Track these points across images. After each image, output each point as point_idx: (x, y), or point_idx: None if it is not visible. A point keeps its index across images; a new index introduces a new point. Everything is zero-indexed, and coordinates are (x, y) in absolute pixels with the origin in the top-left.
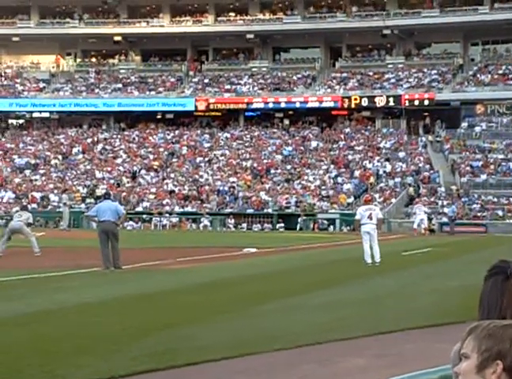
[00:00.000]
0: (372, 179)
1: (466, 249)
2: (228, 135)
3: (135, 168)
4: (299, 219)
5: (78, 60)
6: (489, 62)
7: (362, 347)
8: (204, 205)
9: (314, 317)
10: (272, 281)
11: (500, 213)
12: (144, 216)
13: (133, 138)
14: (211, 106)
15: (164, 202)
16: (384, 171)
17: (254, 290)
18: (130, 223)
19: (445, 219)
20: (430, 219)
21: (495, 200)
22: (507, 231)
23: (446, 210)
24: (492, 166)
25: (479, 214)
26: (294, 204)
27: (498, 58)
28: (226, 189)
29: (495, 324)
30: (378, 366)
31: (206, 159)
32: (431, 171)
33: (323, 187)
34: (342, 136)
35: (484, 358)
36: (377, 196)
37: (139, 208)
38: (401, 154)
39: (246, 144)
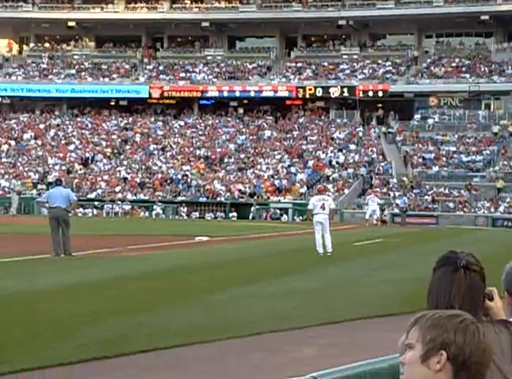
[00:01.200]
0: (327, 171)
1: (417, 241)
2: (182, 123)
3: (87, 155)
4: (252, 209)
5: (31, 45)
6: (443, 55)
7: (314, 336)
8: (156, 193)
9: (268, 305)
10: (225, 270)
11: (451, 205)
12: (96, 203)
13: (86, 125)
14: (165, 94)
15: (117, 189)
16: (337, 162)
17: (207, 278)
18: (88, 210)
19: (397, 211)
20: (382, 210)
21: (447, 192)
22: (457, 223)
23: (398, 201)
24: (444, 159)
25: (430, 206)
26: (247, 193)
27: (452, 50)
28: (179, 177)
29: (440, 314)
30: (329, 355)
31: (159, 146)
32: (384, 162)
33: (276, 176)
34: (296, 126)
35: (429, 348)
36: (330, 186)
37: (91, 195)
38: (355, 145)
39: (200, 133)
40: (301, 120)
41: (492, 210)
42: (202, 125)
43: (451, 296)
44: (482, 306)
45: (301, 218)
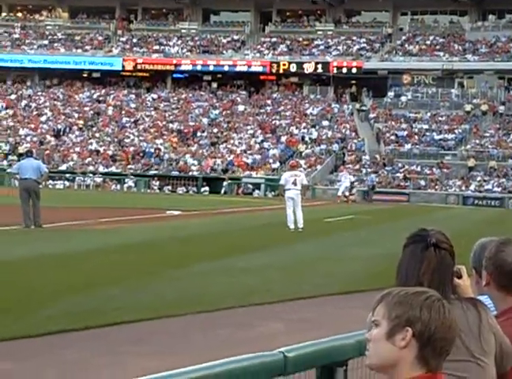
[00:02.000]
0: (300, 146)
1: (388, 218)
2: (155, 96)
3: (59, 126)
4: (224, 183)
5: (3, 14)
6: (417, 33)
7: (282, 312)
8: (128, 166)
9: (237, 280)
10: (196, 244)
11: (423, 183)
12: (67, 175)
13: (58, 96)
14: (138, 67)
15: (88, 162)
16: (310, 138)
17: (178, 252)
18: (59, 182)
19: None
20: (351, 188)
21: (419, 169)
22: (428, 201)
23: (372, 176)
24: (417, 137)
25: (402, 183)
26: (219, 168)
27: (426, 28)
28: (151, 150)
29: (407, 291)
30: (297, 331)
31: (132, 119)
32: (357, 139)
33: (249, 152)
34: (270, 101)
35: (394, 325)
36: (302, 162)
37: (62, 167)
38: (328, 121)
39: (173, 106)
40: (275, 95)
41: (463, 188)
42: (175, 98)
43: (420, 273)
44: (451, 284)
45: (273, 193)
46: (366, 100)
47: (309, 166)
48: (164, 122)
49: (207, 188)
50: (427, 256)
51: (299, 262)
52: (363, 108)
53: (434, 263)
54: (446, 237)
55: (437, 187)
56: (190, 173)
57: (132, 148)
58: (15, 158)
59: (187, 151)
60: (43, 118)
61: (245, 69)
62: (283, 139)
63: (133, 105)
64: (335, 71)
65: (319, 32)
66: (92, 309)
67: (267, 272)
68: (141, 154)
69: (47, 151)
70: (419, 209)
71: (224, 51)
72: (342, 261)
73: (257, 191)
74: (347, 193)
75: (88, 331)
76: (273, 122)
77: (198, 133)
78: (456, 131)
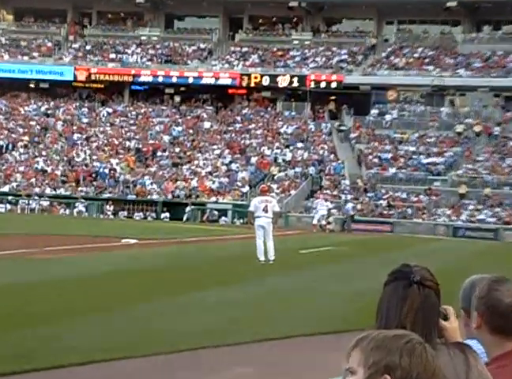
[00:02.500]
0: (272, 169)
1: (368, 250)
2: (111, 110)
3: (1, 143)
4: (187, 209)
5: None
6: (404, 44)
7: (250, 354)
8: (79, 189)
9: (201, 318)
10: (155, 277)
11: (409, 211)
12: (9, 198)
13: (1, 108)
14: (92, 77)
15: (34, 183)
16: (284, 159)
17: (133, 286)
18: (0, 205)
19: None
20: (328, 216)
21: (404, 196)
22: (415, 231)
23: (349, 205)
24: (402, 160)
25: (385, 211)
26: (182, 191)
27: (415, 39)
28: (106, 171)
29: (385, 334)
30: (265, 376)
31: (84, 136)
32: (336, 162)
33: (215, 174)
34: (239, 118)
35: (371, 373)
36: (275, 186)
37: (4, 189)
38: (303, 142)
39: (131, 122)
40: (245, 111)
41: (453, 218)
42: (133, 113)
43: (402, 314)
44: (436, 326)
45: (242, 221)
46: (346, 118)
47: (282, 191)
48: (121, 140)
49: (167, 214)
50: (409, 294)
51: (269, 298)
52: (343, 127)
53: (418, 302)
54: (431, 273)
55: (424, 216)
56: (149, 197)
57: (83, 168)
58: None
59: (146, 172)
60: None
61: (212, 81)
62: (253, 160)
63: (85, 120)
64: (312, 85)
65: (295, 42)
66: (33, 349)
67: (234, 310)
68: (94, 175)
69: None
70: (404, 241)
71: (189, 61)
72: (317, 298)
73: (223, 218)
74: (323, 222)
75: (30, 374)
76: (243, 142)
77: (159, 153)
78: (446, 154)
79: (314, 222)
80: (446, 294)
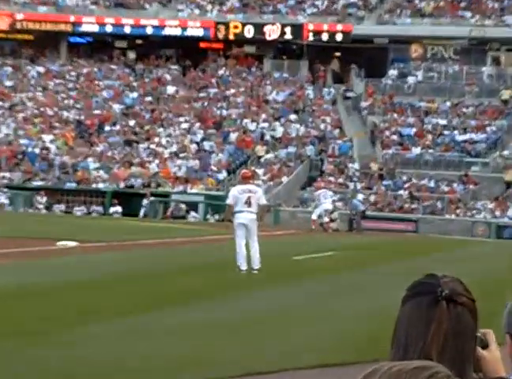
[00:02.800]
0: (257, 149)
1: (383, 256)
2: (42, 70)
3: None
4: (144, 202)
5: None
6: None
7: None
8: (1, 174)
9: (160, 346)
10: (100, 292)
11: (438, 205)
12: None
13: None
14: (18, 26)
15: None
16: (273, 136)
17: (71, 304)
18: None
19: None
20: (331, 212)
21: (432, 185)
22: (446, 231)
23: (359, 197)
24: (430, 136)
25: (407, 205)
26: (138, 179)
27: None
28: (36, 151)
29: (401, 368)
30: None
31: (6, 104)
32: (342, 140)
33: (182, 155)
34: (214, 80)
35: None
36: (261, 172)
37: None
38: (298, 112)
39: (70, 86)
40: (221, 72)
41: (497, 214)
42: (73, 74)
43: (427, 341)
44: (472, 357)
45: (217, 218)
46: (355, 82)
47: (270, 177)
48: (56, 109)
49: (119, 208)
50: (436, 315)
51: (253, 320)
52: (352, 94)
53: (447, 325)
54: (465, 287)
55: (459, 211)
56: (94, 185)
57: (6, 148)
58: None
59: (90, 153)
60: None
61: (177, 32)
62: (232, 137)
63: (8, 83)
64: (311, 38)
65: None
66: None
67: (205, 335)
68: (20, 156)
69: None
70: (431, 244)
71: (147, 5)
72: (316, 320)
73: (193, 214)
74: (326, 219)
75: None
76: (219, 112)
77: (107, 127)
78: (488, 129)
79: (314, 217)
80: (484, 314)
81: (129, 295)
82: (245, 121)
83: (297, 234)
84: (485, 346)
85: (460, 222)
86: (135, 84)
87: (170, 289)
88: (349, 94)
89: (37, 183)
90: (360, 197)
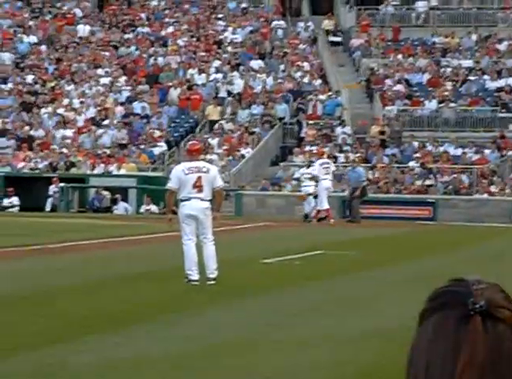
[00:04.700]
0: (209, 110)
1: (389, 254)
2: None
3: None
4: (52, 189)
5: None
6: None
7: None
8: None
9: None
10: None
11: (465, 180)
12: None
13: None
14: None
15: None
16: (229, 92)
17: None
18: None
19: (343, 193)
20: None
21: (455, 152)
22: (475, 218)
23: (355, 173)
24: (449, 84)
25: (419, 182)
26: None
27: None
28: None
29: None
30: None
31: None
32: (327, 93)
33: (104, 123)
34: (144, 15)
35: None
36: (215, 141)
37: None
38: (264, 57)
39: None
40: (154, 3)
41: None
42: None
43: (456, 371)
44: None
45: (155, 208)
46: (342, 12)
47: (228, 150)
48: None
49: (16, 199)
50: (468, 336)
51: (208, 349)
52: (338, 29)
53: (484, 351)
54: (506, 296)
55: (492, 188)
56: None
57: None
58: None
59: None
60: None
61: None
62: (173, 94)
63: None
64: None
65: None
66: None
67: (143, 370)
68: None
69: None
70: (455, 235)
71: None
72: (296, 346)
73: (121, 204)
74: (315, 208)
75: None
76: (152, 61)
77: None
78: None
79: (326, 205)
80: None
81: (38, 318)
82: (190, 72)
83: (270, 228)
84: None
85: (495, 203)
86: (31, 23)
87: (93, 308)
88: (334, 29)
89: None
90: (361, 170)
